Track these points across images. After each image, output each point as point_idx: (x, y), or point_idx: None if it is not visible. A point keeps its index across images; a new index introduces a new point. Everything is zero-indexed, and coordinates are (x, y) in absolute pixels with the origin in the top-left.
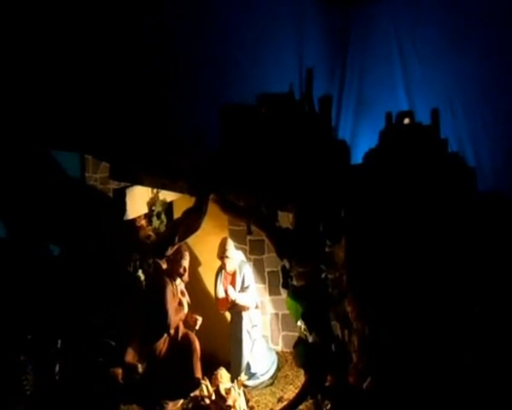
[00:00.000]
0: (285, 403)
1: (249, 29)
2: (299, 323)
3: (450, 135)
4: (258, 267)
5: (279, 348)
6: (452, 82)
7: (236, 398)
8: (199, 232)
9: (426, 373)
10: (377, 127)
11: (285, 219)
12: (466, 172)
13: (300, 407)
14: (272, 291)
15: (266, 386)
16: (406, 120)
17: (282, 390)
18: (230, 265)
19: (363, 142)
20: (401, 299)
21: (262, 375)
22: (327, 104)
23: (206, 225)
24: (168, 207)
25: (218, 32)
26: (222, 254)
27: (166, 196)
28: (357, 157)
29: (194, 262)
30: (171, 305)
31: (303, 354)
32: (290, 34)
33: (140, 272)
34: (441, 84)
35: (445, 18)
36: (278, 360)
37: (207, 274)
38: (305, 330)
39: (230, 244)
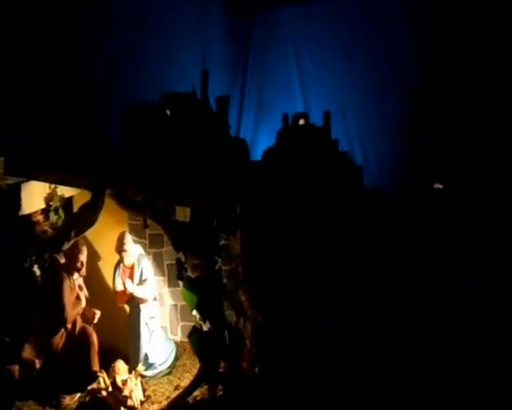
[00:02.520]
0: (181, 390)
1: (154, 30)
2: (194, 313)
3: (341, 136)
4: (158, 260)
5: (178, 338)
6: (344, 87)
7: (133, 388)
8: (99, 227)
9: (316, 357)
10: (276, 127)
11: (183, 214)
12: (354, 170)
13: (195, 393)
14: (171, 283)
15: (164, 375)
16: (301, 121)
17: (179, 379)
18: (128, 258)
19: (263, 141)
20: (292, 287)
21: (160, 365)
22: (224, 104)
23: (107, 219)
24: (68, 202)
25: (123, 33)
26: (120, 248)
27: (65, 191)
28: (259, 155)
29: (95, 257)
30: (69, 299)
31: (197, 342)
32: (194, 37)
33: (36, 267)
34: (334, 88)
35: (338, 28)
36: (176, 349)
37: (107, 268)
38: (199, 319)
39: (128, 238)
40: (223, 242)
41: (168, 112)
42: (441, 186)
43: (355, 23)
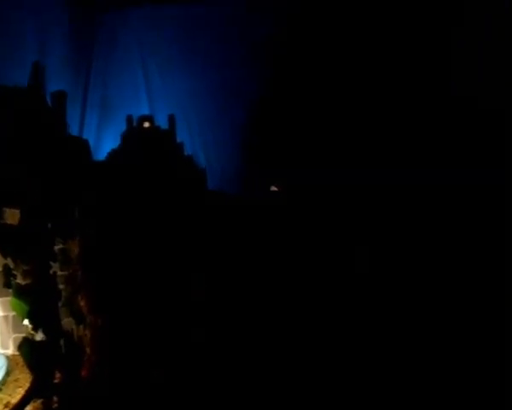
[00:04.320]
0: (10, 408)
1: None
2: (25, 322)
3: (185, 139)
4: None
5: (9, 351)
6: (189, 92)
7: None
8: None
9: (163, 359)
10: (121, 129)
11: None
12: (197, 172)
13: (28, 408)
14: (2, 293)
15: None
16: (146, 124)
17: (10, 395)
18: None
19: (108, 142)
20: (135, 291)
21: None
22: (60, 100)
23: None
24: None
25: None
26: None
27: None
28: (103, 156)
29: None
30: None
31: (28, 354)
32: (31, 33)
33: None
34: (179, 93)
35: (182, 34)
36: (8, 364)
37: None
38: (31, 329)
39: None
40: (60, 246)
41: None
42: (277, 189)
43: (198, 31)
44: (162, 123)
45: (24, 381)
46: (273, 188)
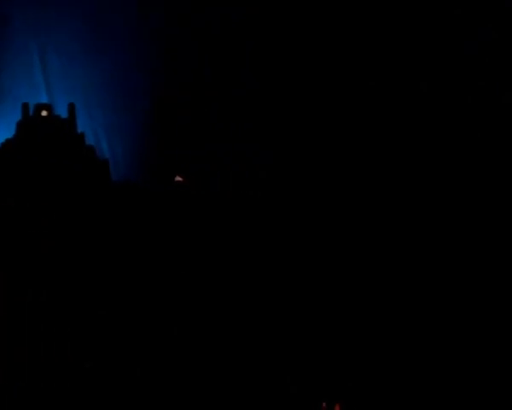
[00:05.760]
0: None
1: None
2: None
3: (87, 130)
4: None
5: None
6: (90, 82)
7: None
8: None
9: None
10: (16, 119)
11: None
12: (99, 163)
13: None
14: None
15: None
16: (44, 113)
17: None
18: None
19: (2, 131)
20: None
21: None
22: None
23: None
24: None
25: None
26: None
27: None
28: None
29: None
30: None
31: None
32: None
33: None
34: (80, 83)
35: (83, 27)
36: None
37: None
38: None
39: None
40: None
41: None
42: (181, 179)
43: (98, 13)
44: (64, 113)
45: None
46: (177, 178)
